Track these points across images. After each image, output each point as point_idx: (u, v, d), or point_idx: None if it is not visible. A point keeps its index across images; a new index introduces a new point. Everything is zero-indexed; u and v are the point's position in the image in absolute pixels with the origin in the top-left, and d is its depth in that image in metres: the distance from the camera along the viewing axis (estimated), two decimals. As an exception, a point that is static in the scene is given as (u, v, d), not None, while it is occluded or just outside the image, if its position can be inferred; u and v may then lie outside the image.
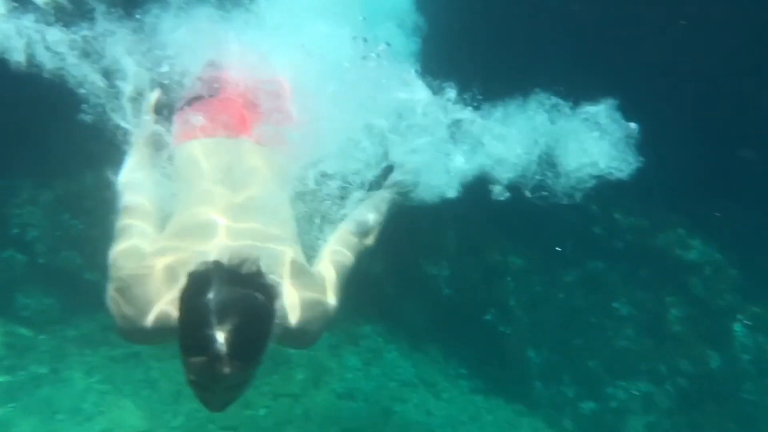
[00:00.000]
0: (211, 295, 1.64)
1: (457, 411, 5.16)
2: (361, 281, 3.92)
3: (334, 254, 2.25)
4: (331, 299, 2.09)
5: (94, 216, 3.16)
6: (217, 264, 1.70)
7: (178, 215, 2.17)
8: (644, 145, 2.83)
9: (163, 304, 1.89)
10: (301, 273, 2.05)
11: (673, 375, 5.61)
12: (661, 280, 6.01)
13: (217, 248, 1.93)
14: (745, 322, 5.87)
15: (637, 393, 5.58)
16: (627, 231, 6.14)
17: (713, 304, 5.83)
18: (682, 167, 5.59)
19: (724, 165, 5.94)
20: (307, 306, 1.99)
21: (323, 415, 4.41)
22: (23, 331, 4.46)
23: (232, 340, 1.61)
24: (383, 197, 2.59)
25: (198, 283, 1.68)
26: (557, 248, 5.90)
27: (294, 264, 2.05)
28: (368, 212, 2.48)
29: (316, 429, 4.29)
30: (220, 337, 1.60)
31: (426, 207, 4.96)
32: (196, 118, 2.37)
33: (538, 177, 3.04)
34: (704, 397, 5.50)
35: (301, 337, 2.01)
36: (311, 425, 4.21)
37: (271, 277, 1.75)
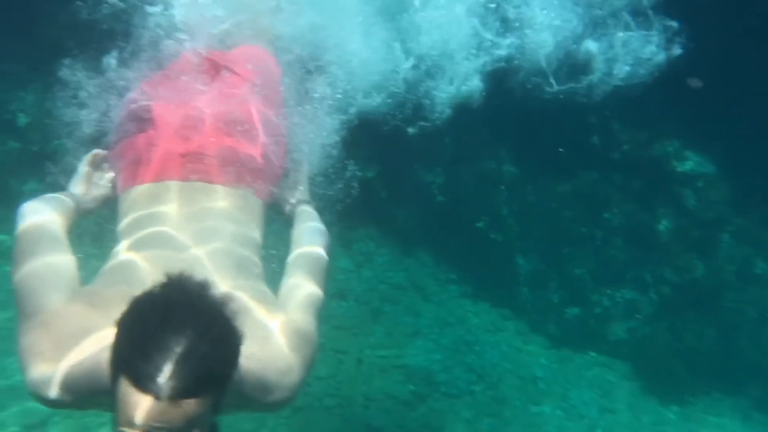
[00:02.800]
0: (154, 322, 1.28)
1: (445, 314, 5.32)
2: (355, 185, 3.95)
3: (295, 292, 1.91)
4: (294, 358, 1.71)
5: (87, 104, 3.11)
6: (167, 283, 1.33)
7: (116, 259, 1.86)
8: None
9: (93, 343, 1.54)
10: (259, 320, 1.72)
11: (658, 283, 5.74)
12: (654, 191, 6.02)
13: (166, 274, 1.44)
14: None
15: (621, 300, 5.73)
16: (624, 142, 6.09)
17: (703, 216, 5.87)
18: (683, 80, 5.48)
19: (723, 80, 5.83)
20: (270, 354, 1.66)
21: (314, 313, 4.53)
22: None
23: (182, 369, 1.24)
24: (302, 212, 2.30)
25: (141, 304, 1.31)
26: (560, 149, 5.84)
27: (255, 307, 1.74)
28: (305, 232, 2.19)
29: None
30: (167, 366, 1.24)
31: (421, 114, 4.92)
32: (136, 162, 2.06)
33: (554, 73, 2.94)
34: (686, 304, 5.65)
35: (263, 388, 1.63)
36: (303, 323, 4.34)
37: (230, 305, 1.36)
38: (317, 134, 3.71)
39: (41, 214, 1.94)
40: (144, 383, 1.24)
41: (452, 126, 5.52)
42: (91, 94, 3.11)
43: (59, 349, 1.56)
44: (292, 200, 2.34)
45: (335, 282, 5.07)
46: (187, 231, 1.92)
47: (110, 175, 2.17)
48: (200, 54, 2.44)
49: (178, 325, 1.27)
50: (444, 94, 4.91)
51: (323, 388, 4.29)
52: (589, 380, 5.35)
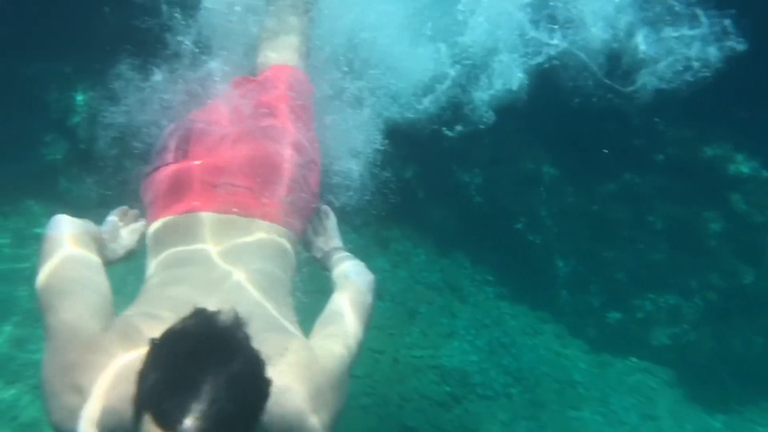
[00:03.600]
0: (182, 360, 1.22)
1: (482, 315, 5.28)
2: (392, 185, 3.95)
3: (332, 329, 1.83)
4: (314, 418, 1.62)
5: (135, 104, 3.20)
6: (197, 320, 1.28)
7: (149, 292, 1.81)
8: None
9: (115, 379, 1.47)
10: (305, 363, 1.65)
11: (704, 289, 5.58)
12: (701, 194, 5.86)
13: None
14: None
15: (665, 305, 5.59)
16: (670, 143, 5.94)
17: (752, 220, 5.69)
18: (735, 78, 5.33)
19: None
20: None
21: (350, 312, 4.56)
22: (70, 213, 4.57)
23: (209, 411, 1.18)
24: (341, 257, 2.21)
25: (170, 341, 1.26)
26: (603, 150, 5.73)
27: (295, 350, 1.66)
28: (350, 270, 2.13)
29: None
30: (194, 406, 1.18)
31: (460, 114, 4.90)
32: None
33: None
34: (733, 311, 5.48)
35: None
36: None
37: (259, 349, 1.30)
38: (354, 137, 3.74)
39: (80, 230, 1.87)
40: (169, 423, 1.17)
41: (491, 126, 5.49)
42: (137, 98, 3.21)
43: (89, 380, 1.48)
44: (326, 247, 2.26)
45: (370, 282, 5.08)
46: (219, 264, 1.86)
47: (138, 227, 2.11)
48: (232, 79, 2.45)
49: (207, 365, 1.21)
50: (484, 93, 4.89)
51: (359, 387, 4.30)
52: (630, 386, 5.23)
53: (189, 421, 1.17)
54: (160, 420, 1.19)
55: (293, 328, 1.77)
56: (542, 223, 5.86)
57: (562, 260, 5.77)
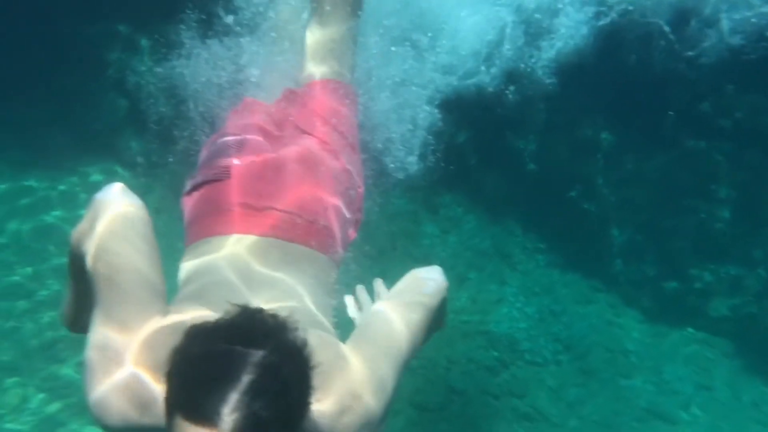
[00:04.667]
0: (219, 350, 1.13)
1: (532, 283, 5.26)
2: (444, 150, 3.96)
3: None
4: (371, 398, 1.51)
5: (193, 65, 3.28)
6: (235, 314, 1.19)
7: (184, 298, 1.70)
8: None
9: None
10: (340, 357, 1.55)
11: (768, 260, 5.39)
12: (770, 161, 5.62)
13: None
14: None
15: (725, 276, 5.43)
16: (738, 108, 5.69)
17: (823, 190, 5.43)
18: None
19: None
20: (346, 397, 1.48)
21: (399, 275, 4.62)
22: (125, 174, 4.76)
23: (249, 403, 1.08)
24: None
25: (202, 333, 1.16)
26: (670, 112, 5.55)
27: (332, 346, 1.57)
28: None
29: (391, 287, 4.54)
30: (233, 395, 1.08)
31: (515, 78, 4.82)
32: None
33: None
34: (800, 283, 5.28)
35: None
36: (388, 283, 4.44)
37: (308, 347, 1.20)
38: (407, 103, 3.75)
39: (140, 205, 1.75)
40: (204, 413, 1.07)
41: (548, 91, 5.40)
42: (195, 60, 3.29)
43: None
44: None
45: (420, 247, 5.13)
46: (259, 271, 1.79)
47: None
48: (273, 100, 2.38)
49: (249, 356, 1.11)
50: (542, 57, 4.80)
51: (406, 349, 4.39)
52: (686, 356, 5.14)
53: (226, 411, 1.07)
54: (195, 410, 1.08)
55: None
56: (598, 191, 5.74)
57: (618, 229, 5.65)
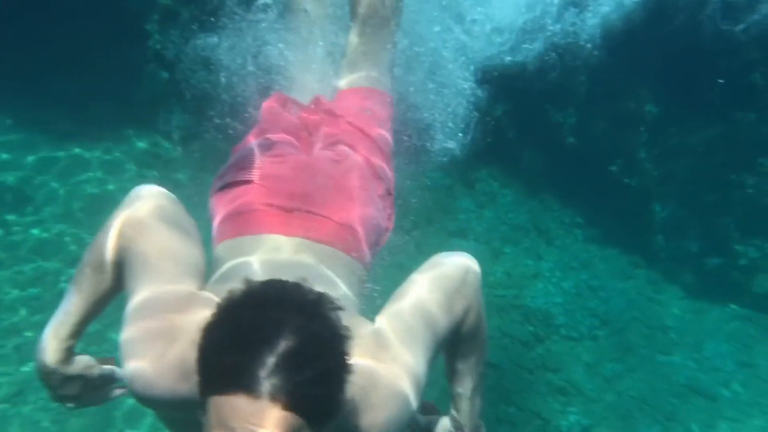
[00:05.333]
0: (254, 316, 1.10)
1: (569, 258, 5.22)
2: (481, 124, 3.93)
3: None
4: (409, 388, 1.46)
5: (233, 38, 3.31)
6: (270, 282, 1.17)
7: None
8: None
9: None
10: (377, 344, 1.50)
11: (818, 236, 5.23)
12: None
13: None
14: None
15: (772, 252, 5.29)
16: (790, 79, 5.48)
17: None
18: None
19: None
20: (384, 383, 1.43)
21: (434, 250, 4.64)
22: (166, 144, 4.85)
23: (287, 366, 1.05)
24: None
25: (236, 301, 1.13)
26: (719, 80, 5.37)
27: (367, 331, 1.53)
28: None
29: (426, 261, 4.55)
30: (270, 359, 1.05)
31: (556, 49, 4.72)
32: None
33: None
34: None
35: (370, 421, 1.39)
36: (422, 257, 4.47)
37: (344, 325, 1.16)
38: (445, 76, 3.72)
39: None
40: (240, 376, 1.04)
41: (590, 62, 5.29)
42: (237, 34, 3.32)
43: (173, 342, 1.37)
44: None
45: (456, 221, 5.13)
46: (290, 257, 1.75)
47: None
48: (304, 104, 2.33)
49: (285, 321, 1.08)
50: (584, 26, 4.69)
51: (440, 322, 4.42)
52: (728, 333, 5.06)
53: (263, 374, 1.04)
54: (231, 375, 1.05)
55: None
56: (640, 165, 5.62)
57: (660, 204, 5.54)
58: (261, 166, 1.98)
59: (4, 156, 4.48)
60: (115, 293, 1.60)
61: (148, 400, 1.39)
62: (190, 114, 4.65)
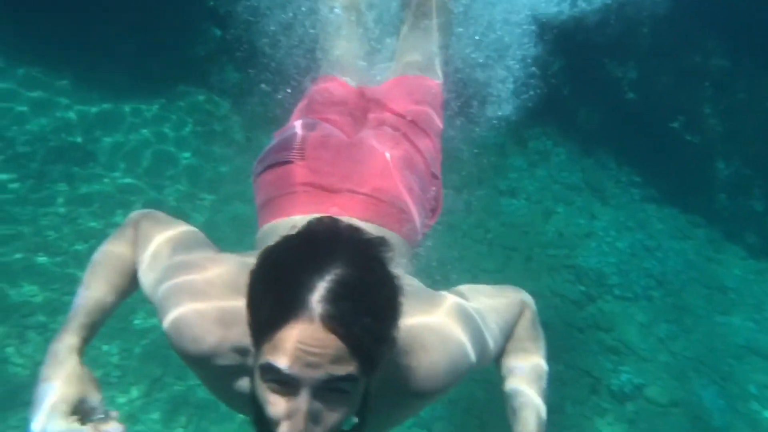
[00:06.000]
0: (303, 248, 1.11)
1: (625, 217, 5.11)
2: (535, 80, 3.87)
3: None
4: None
5: None
6: (323, 219, 1.16)
7: None
8: None
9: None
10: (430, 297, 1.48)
11: None
12: None
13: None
14: None
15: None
16: None
17: None
18: None
19: None
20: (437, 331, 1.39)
21: (484, 209, 4.67)
22: (219, 101, 4.95)
23: (337, 291, 1.05)
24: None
25: (285, 239, 1.13)
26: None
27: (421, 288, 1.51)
28: None
29: (476, 221, 4.59)
30: (321, 285, 1.05)
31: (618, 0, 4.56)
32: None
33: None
34: None
35: (426, 373, 1.34)
36: (472, 217, 4.49)
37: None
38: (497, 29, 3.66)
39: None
40: (293, 302, 1.05)
41: (653, 13, 5.08)
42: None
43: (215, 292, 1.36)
44: None
45: (507, 180, 5.10)
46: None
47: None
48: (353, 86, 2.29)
49: (335, 253, 1.08)
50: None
51: (489, 280, 4.42)
52: (792, 295, 4.89)
53: (315, 299, 1.04)
54: (282, 301, 1.06)
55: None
56: (704, 121, 5.42)
57: (724, 161, 5.34)
58: (303, 147, 1.96)
59: (66, 114, 4.67)
60: (128, 292, 1.56)
61: (195, 355, 1.34)
62: (243, 72, 4.72)
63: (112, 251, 1.60)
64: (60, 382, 1.26)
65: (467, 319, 1.45)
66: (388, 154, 1.97)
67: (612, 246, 4.91)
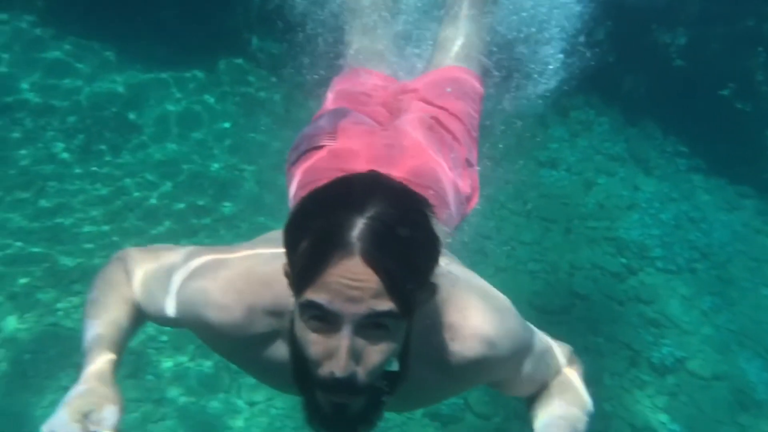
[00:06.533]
0: (344, 186, 1.11)
1: (669, 188, 4.99)
2: (579, 48, 3.77)
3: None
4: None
5: None
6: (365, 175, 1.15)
7: None
8: None
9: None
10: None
11: None
12: None
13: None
14: None
15: None
16: None
17: None
18: None
19: None
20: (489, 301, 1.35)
21: (523, 181, 4.61)
22: (261, 71, 4.95)
23: (376, 226, 1.04)
24: None
25: (330, 182, 1.13)
26: None
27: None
28: None
29: (514, 192, 4.54)
30: (359, 220, 1.05)
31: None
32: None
33: None
34: None
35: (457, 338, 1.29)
36: (510, 188, 4.45)
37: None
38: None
39: None
40: (332, 239, 1.04)
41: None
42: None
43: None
44: None
45: (547, 151, 5.01)
46: None
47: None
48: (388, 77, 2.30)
49: (373, 195, 1.07)
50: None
51: (527, 252, 4.40)
52: None
53: (354, 233, 1.04)
54: (321, 236, 1.05)
55: None
56: (757, 88, 5.22)
57: (776, 130, 5.15)
58: (337, 134, 1.94)
59: (111, 85, 4.76)
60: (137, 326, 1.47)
61: (226, 324, 1.30)
62: (283, 42, 4.72)
63: (109, 284, 1.46)
64: (84, 387, 1.23)
65: (520, 318, 1.39)
66: (423, 140, 1.95)
67: (655, 218, 4.81)
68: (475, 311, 1.31)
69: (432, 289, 1.16)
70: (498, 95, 2.88)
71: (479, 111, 2.26)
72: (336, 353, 1.07)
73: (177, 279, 1.38)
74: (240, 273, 1.33)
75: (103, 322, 1.37)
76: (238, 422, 3.37)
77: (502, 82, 2.85)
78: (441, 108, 2.09)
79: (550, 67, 3.63)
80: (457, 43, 2.36)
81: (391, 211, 1.06)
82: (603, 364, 3.97)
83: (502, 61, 2.96)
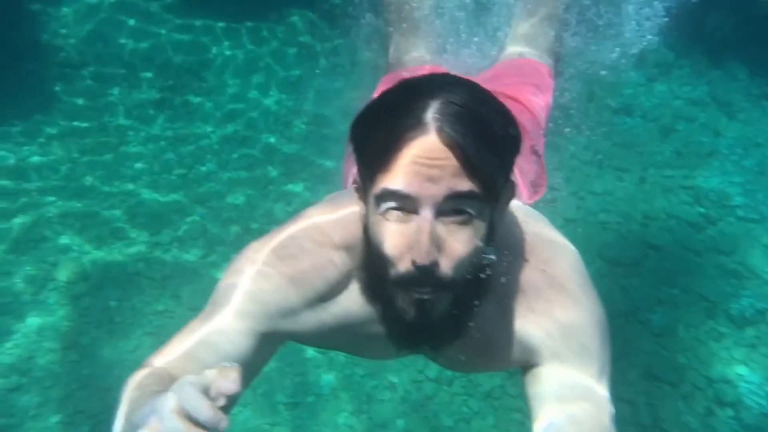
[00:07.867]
0: (418, 80, 1.07)
1: (754, 133, 4.69)
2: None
3: None
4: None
5: None
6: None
7: None
8: None
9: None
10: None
11: None
12: None
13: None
14: None
15: None
16: None
17: None
18: None
19: None
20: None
21: (594, 129, 4.41)
22: (325, 25, 4.97)
23: (453, 108, 1.00)
24: None
25: (399, 82, 1.09)
26: None
27: None
28: None
29: (585, 141, 4.38)
30: (435, 102, 1.00)
31: None
32: None
33: None
34: None
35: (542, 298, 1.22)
36: (580, 137, 4.29)
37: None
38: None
39: None
40: (406, 121, 0.99)
41: None
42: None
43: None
44: None
45: (621, 97, 4.79)
46: None
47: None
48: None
49: (445, 84, 1.03)
50: None
51: (598, 203, 4.28)
52: None
53: (431, 113, 1.00)
54: (398, 117, 1.00)
55: None
56: None
57: None
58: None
59: (181, 38, 4.91)
60: None
61: (323, 291, 1.23)
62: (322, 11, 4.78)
63: (137, 388, 1.12)
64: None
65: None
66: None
67: (737, 165, 4.55)
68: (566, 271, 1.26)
69: (512, 188, 1.10)
70: (569, 43, 2.79)
71: (549, 104, 2.24)
72: (417, 242, 0.99)
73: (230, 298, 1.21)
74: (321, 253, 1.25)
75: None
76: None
77: (575, 25, 2.75)
78: (510, 98, 2.05)
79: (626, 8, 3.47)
80: (527, 35, 2.35)
81: (467, 95, 1.01)
82: (678, 316, 3.87)
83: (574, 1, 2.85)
